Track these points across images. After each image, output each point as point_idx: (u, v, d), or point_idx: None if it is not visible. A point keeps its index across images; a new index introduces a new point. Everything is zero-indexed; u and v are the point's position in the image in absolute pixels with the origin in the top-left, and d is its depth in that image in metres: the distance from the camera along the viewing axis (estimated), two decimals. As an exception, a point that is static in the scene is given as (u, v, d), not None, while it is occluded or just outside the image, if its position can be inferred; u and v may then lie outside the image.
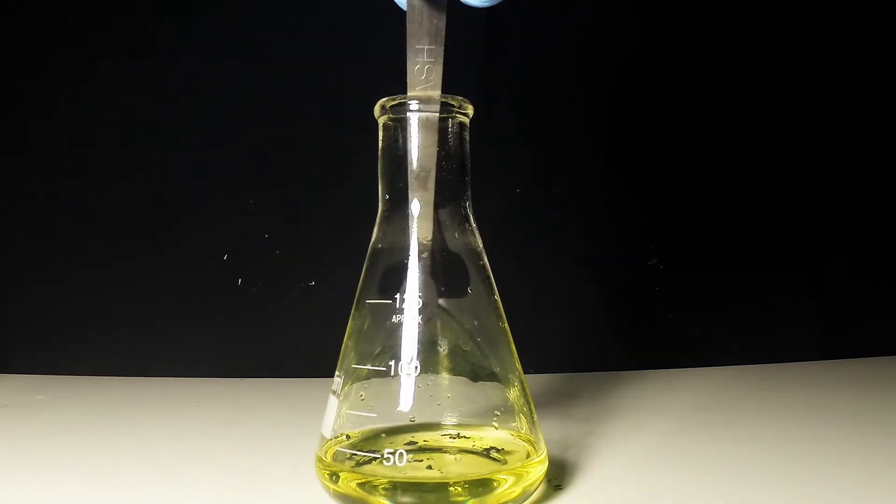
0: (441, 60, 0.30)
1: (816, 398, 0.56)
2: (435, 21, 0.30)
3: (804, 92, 0.72)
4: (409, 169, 0.31)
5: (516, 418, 0.32)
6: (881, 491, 0.33)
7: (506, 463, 0.31)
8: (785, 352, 0.70)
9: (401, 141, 0.32)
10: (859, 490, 0.33)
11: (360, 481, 0.29)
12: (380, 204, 0.33)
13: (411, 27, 0.30)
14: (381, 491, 0.29)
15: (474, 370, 0.32)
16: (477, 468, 0.30)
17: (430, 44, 0.30)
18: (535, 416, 0.33)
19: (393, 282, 0.31)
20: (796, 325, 0.71)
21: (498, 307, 0.33)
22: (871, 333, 0.72)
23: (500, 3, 0.30)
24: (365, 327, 0.32)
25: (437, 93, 0.31)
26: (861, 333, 0.72)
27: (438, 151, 0.31)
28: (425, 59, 0.30)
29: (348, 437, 0.32)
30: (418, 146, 0.31)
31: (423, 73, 0.30)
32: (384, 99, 0.32)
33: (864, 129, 0.73)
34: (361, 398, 0.31)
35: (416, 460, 0.29)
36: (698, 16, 0.71)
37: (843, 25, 0.72)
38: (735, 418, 0.49)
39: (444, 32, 0.30)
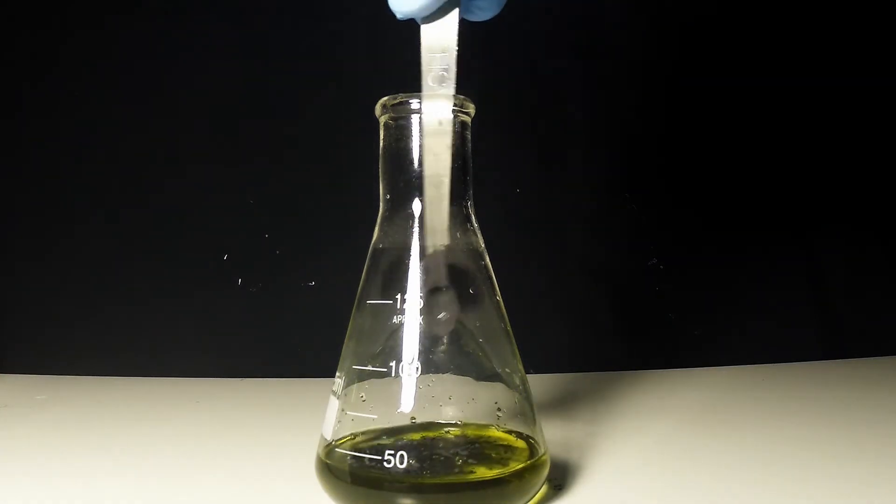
0: (454, 67, 0.30)
1: (816, 398, 0.56)
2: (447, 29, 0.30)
3: (804, 90, 0.72)
4: (424, 174, 0.30)
5: (518, 419, 0.32)
6: (881, 490, 0.33)
7: (507, 464, 0.30)
8: (785, 352, 0.70)
9: (402, 141, 0.32)
10: (859, 490, 0.33)
11: (360, 483, 0.29)
12: (381, 204, 0.33)
13: (425, 37, 0.30)
14: (381, 492, 0.28)
15: (476, 370, 0.31)
16: (478, 469, 0.30)
17: (443, 51, 0.30)
18: (536, 416, 0.33)
19: (394, 282, 0.31)
20: (796, 325, 0.71)
21: (500, 307, 0.33)
22: (870, 333, 0.72)
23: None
24: (366, 328, 0.32)
25: (450, 91, 0.30)
26: (861, 333, 0.72)
27: None
28: (440, 67, 0.30)
29: (349, 438, 0.32)
30: (432, 151, 0.30)
31: (438, 81, 0.30)
32: (385, 98, 0.32)
33: (863, 127, 0.73)
34: (362, 399, 0.31)
35: (416, 461, 0.29)
36: (696, 14, 0.71)
37: (840, 20, 0.72)
38: (735, 418, 0.49)
39: (456, 40, 0.30)
